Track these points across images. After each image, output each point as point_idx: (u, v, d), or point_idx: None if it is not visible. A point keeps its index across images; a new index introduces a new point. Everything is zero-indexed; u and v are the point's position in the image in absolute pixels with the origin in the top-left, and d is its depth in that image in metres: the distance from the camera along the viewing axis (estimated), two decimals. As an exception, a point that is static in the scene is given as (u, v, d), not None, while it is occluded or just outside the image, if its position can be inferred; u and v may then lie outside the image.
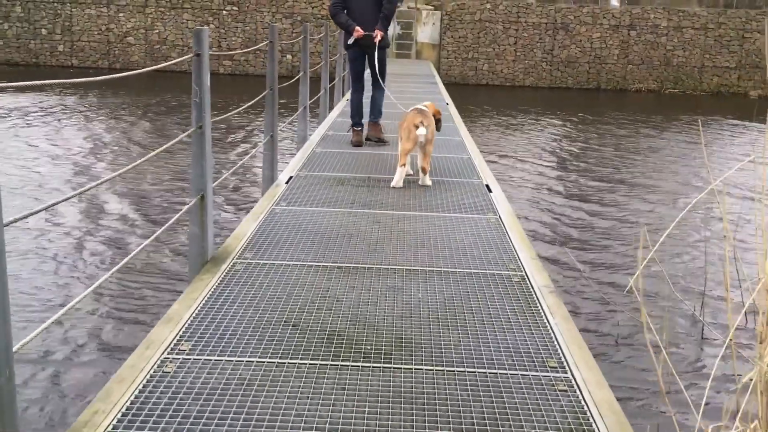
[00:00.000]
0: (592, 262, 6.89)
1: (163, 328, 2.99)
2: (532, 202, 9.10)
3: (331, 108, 10.73)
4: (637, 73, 24.42)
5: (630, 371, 4.71)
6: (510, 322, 3.18)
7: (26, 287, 5.50)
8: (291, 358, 2.76)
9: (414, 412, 2.42)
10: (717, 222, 8.07)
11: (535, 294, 3.52)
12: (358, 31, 6.96)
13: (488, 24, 24.12)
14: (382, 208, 4.99)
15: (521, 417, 2.41)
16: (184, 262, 6.02)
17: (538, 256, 4.26)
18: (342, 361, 2.75)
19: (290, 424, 2.31)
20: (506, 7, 24.02)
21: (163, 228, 3.49)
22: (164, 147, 3.56)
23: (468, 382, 2.62)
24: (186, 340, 2.87)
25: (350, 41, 7.08)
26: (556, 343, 2.99)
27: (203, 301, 3.26)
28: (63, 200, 2.53)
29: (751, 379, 2.40)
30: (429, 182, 5.69)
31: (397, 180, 5.61)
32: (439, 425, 2.34)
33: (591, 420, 2.42)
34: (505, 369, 2.74)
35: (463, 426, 2.35)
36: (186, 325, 3.01)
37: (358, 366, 2.71)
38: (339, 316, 3.15)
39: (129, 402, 2.41)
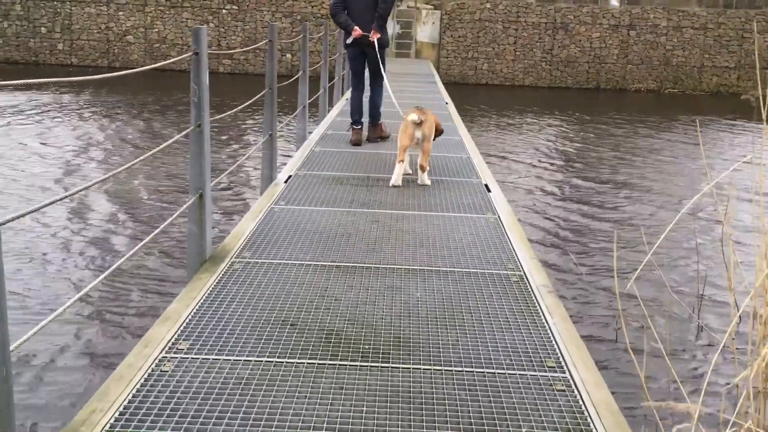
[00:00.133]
0: (590, 261, 6.89)
1: (161, 327, 2.99)
2: (530, 202, 9.09)
3: (330, 107, 10.73)
4: (636, 72, 24.42)
5: (628, 370, 4.70)
6: (508, 321, 3.18)
7: (21, 287, 5.49)
8: (289, 358, 2.75)
9: (412, 411, 2.41)
10: (715, 224, 8.07)
11: (534, 294, 3.52)
12: (357, 31, 7.03)
13: (488, 23, 24.11)
14: (380, 208, 4.99)
15: (519, 417, 2.41)
16: (178, 264, 6.01)
17: (536, 256, 4.26)
18: (340, 360, 2.75)
19: (288, 424, 2.31)
20: (506, 7, 24.01)
21: (162, 227, 3.48)
22: (162, 146, 3.56)
23: (466, 382, 2.62)
24: (184, 339, 2.87)
25: (349, 41, 7.19)
26: (554, 342, 2.99)
27: (201, 300, 3.26)
28: (58, 200, 2.53)
29: (746, 380, 2.40)
30: (428, 181, 5.69)
31: (396, 178, 5.61)
32: (437, 425, 2.34)
33: (589, 420, 2.42)
34: (503, 369, 2.74)
35: (461, 426, 2.34)
36: (184, 324, 3.01)
37: (357, 365, 2.71)
38: (337, 316, 3.15)
39: (126, 401, 2.41)
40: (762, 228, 3.11)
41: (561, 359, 2.84)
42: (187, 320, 3.05)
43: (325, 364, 2.72)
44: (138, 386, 2.50)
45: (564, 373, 2.74)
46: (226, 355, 2.76)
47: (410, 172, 5.91)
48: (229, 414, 2.35)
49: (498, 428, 2.34)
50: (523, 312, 3.29)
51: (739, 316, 5.24)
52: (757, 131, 15.85)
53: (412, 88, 13.87)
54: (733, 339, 4.02)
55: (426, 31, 24.52)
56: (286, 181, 5.65)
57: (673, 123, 17.19)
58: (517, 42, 24.17)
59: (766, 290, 2.95)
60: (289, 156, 8.36)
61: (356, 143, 7.35)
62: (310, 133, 8.18)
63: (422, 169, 5.63)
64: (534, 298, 3.47)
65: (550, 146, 13.46)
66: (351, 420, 2.35)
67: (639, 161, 12.32)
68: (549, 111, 18.47)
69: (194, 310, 3.15)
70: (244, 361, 2.72)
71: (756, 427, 2.60)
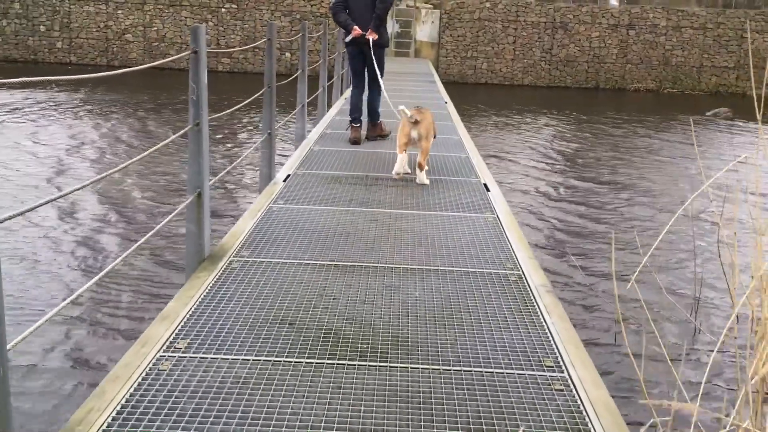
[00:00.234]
0: (589, 261, 6.89)
1: (159, 326, 2.98)
2: (529, 202, 9.09)
3: (329, 106, 10.72)
4: (635, 72, 24.42)
5: (626, 370, 4.71)
6: (507, 321, 3.17)
7: (16, 287, 5.48)
8: (287, 357, 2.75)
9: (410, 410, 2.41)
10: (714, 225, 8.07)
11: (532, 293, 3.52)
12: (356, 30, 7.09)
13: (487, 23, 24.11)
14: (379, 207, 4.98)
15: (517, 416, 2.41)
16: (175, 263, 6.01)
17: (535, 255, 4.25)
18: (338, 359, 2.75)
19: (286, 423, 2.31)
20: (505, 6, 24.01)
21: (160, 226, 3.48)
22: (161, 144, 3.55)
23: (464, 381, 2.62)
24: (182, 338, 2.86)
25: (347, 39, 7.27)
26: (552, 342, 2.99)
27: (199, 299, 3.25)
28: (52, 199, 2.52)
29: (744, 380, 2.40)
30: (426, 181, 5.69)
31: (398, 167, 5.78)
32: (434, 424, 2.34)
33: (587, 419, 2.42)
34: (502, 368, 2.74)
35: (459, 425, 2.34)
36: (182, 323, 3.00)
37: (354, 364, 2.71)
38: (335, 315, 3.15)
39: (124, 400, 2.40)
40: (758, 228, 3.11)
41: (559, 358, 2.84)
42: (185, 319, 3.04)
43: (323, 363, 2.72)
44: (135, 385, 2.50)
45: (562, 372, 2.73)
46: (224, 354, 2.76)
47: (409, 171, 5.93)
48: (227, 413, 2.35)
49: (496, 428, 2.34)
50: (521, 311, 3.29)
51: (737, 317, 5.24)
52: (754, 131, 15.85)
53: (411, 88, 13.86)
54: (735, 338, 4.02)
55: (425, 30, 24.51)
56: (284, 180, 5.64)
57: (671, 123, 17.19)
58: (516, 41, 24.17)
59: (764, 290, 2.94)
60: (287, 155, 8.36)
61: (355, 141, 7.35)
62: (309, 132, 8.18)
63: (420, 167, 5.64)
64: (532, 297, 3.47)
65: (548, 146, 13.46)
66: (349, 419, 2.34)
67: (638, 161, 12.32)
68: (548, 110, 18.47)
69: (192, 309, 3.14)
70: (242, 360, 2.71)
71: (754, 428, 2.60)
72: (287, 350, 2.80)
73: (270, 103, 5.92)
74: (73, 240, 6.68)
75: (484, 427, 2.34)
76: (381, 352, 2.81)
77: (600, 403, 2.53)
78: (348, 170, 6.10)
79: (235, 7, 23.87)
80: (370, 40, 7.07)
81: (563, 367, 2.77)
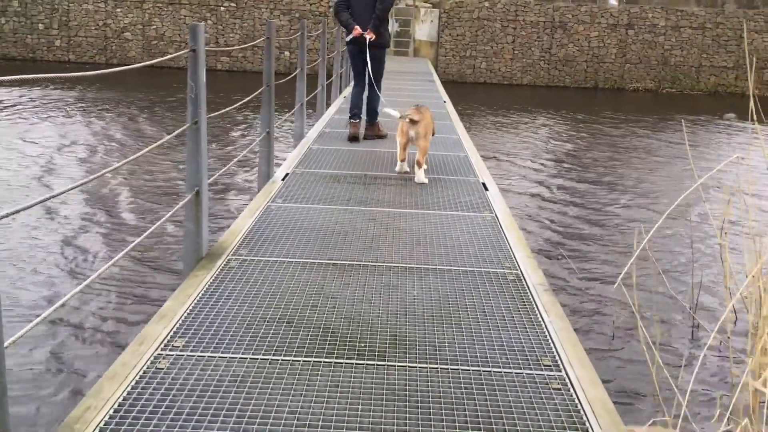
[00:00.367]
0: (586, 261, 6.89)
1: (156, 324, 2.98)
2: (527, 201, 9.09)
3: (328, 105, 10.72)
4: (634, 72, 24.43)
5: (624, 370, 4.71)
6: (505, 320, 3.17)
7: (11, 287, 5.47)
8: (285, 355, 2.75)
9: (408, 409, 2.41)
10: (710, 220, 8.07)
11: (530, 292, 3.52)
12: (356, 30, 7.15)
13: (486, 22, 24.11)
14: (378, 206, 4.98)
15: (515, 415, 2.41)
16: (173, 262, 6.00)
17: (533, 254, 4.25)
18: (336, 358, 2.75)
19: (283, 421, 2.31)
20: (504, 6, 24.01)
21: (158, 224, 3.48)
22: (159, 143, 3.55)
23: (462, 380, 2.62)
24: (180, 337, 2.86)
25: (348, 38, 7.33)
26: (550, 341, 2.99)
27: (197, 298, 3.25)
28: (48, 198, 2.52)
29: (741, 376, 2.41)
30: (425, 180, 5.70)
31: (398, 169, 5.98)
32: (432, 423, 2.34)
33: (585, 418, 2.42)
34: (500, 367, 2.74)
35: (457, 424, 2.34)
36: (180, 322, 3.00)
37: (352, 363, 2.71)
38: (333, 313, 3.15)
39: (121, 398, 2.40)
40: (751, 227, 3.11)
41: (557, 357, 2.84)
42: (183, 318, 3.04)
43: (320, 361, 2.71)
44: (133, 384, 2.50)
45: (560, 371, 2.73)
46: (222, 352, 2.75)
47: (407, 170, 5.96)
48: (224, 411, 2.35)
49: (494, 426, 2.34)
50: (519, 310, 3.29)
51: (735, 315, 5.23)
52: (751, 131, 15.86)
53: (410, 87, 13.86)
54: (729, 337, 4.03)
55: (424, 29, 24.51)
56: (283, 179, 5.64)
57: (669, 123, 17.20)
58: (515, 41, 24.17)
59: (760, 290, 2.95)
60: (286, 154, 8.35)
61: (353, 136, 7.38)
62: (308, 130, 8.18)
63: (419, 165, 5.66)
64: (530, 296, 3.46)
65: (547, 145, 13.47)
66: (347, 418, 2.34)
67: (636, 161, 12.33)
68: (547, 110, 18.47)
69: (190, 308, 3.14)
70: (240, 358, 2.71)
71: (751, 426, 2.61)
72: (285, 349, 2.80)
73: (269, 102, 5.91)
74: (70, 239, 6.66)
75: (482, 425, 2.34)
76: (379, 351, 2.81)
77: (597, 401, 2.53)
78: (347, 169, 6.10)
79: (234, 5, 23.85)
80: (368, 40, 7.11)
81: (561, 366, 2.77)
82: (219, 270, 3.61)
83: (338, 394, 2.48)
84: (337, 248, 4.02)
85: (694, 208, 8.63)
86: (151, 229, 3.37)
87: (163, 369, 2.60)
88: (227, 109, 5.22)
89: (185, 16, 23.84)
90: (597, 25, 24.19)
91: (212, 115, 4.16)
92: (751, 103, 3.65)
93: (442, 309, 3.25)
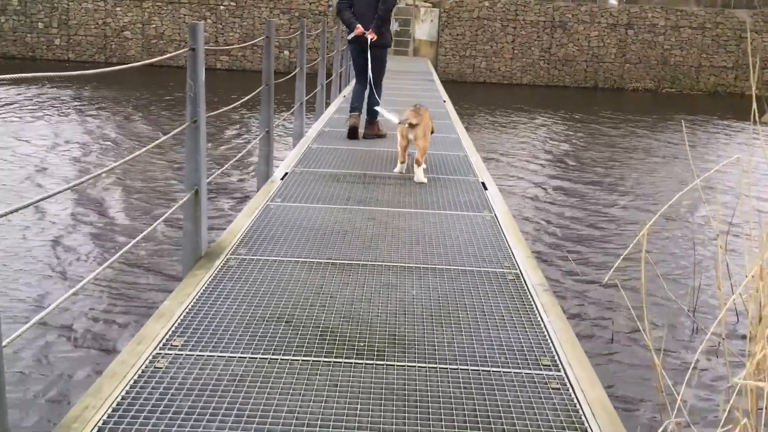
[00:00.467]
0: (586, 261, 6.89)
1: (155, 323, 2.98)
2: (526, 201, 9.09)
3: (327, 104, 10.71)
4: (634, 72, 24.43)
5: (622, 370, 4.71)
6: (504, 319, 3.17)
7: (11, 284, 5.46)
8: (284, 355, 2.75)
9: (406, 409, 2.41)
10: (709, 221, 8.07)
11: (530, 292, 3.51)
12: (358, 29, 7.19)
13: (486, 22, 24.11)
14: (377, 205, 4.98)
15: (514, 415, 2.41)
16: (171, 261, 6.00)
17: (532, 254, 4.25)
18: (335, 357, 2.75)
19: (282, 420, 2.30)
20: (504, 5, 24.01)
21: (157, 223, 3.47)
22: (157, 141, 3.55)
23: (461, 380, 2.62)
24: (178, 336, 2.86)
25: (349, 37, 7.36)
26: (549, 341, 2.99)
27: (196, 297, 3.25)
28: (45, 198, 2.51)
29: (740, 379, 2.41)
30: (424, 179, 5.70)
31: (398, 170, 5.99)
32: (431, 422, 2.34)
33: (583, 418, 2.42)
34: (498, 367, 2.74)
35: (456, 423, 2.34)
36: (178, 321, 3.00)
37: (351, 363, 2.71)
38: (332, 313, 3.14)
39: (120, 397, 2.40)
40: (751, 229, 3.11)
41: (556, 357, 2.84)
42: (182, 317, 3.04)
43: (319, 361, 2.71)
44: (131, 383, 2.50)
45: (559, 371, 2.73)
46: (221, 351, 2.75)
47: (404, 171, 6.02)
48: (223, 411, 2.35)
49: (493, 426, 2.34)
50: (518, 310, 3.29)
51: (737, 317, 5.23)
52: (750, 130, 15.85)
53: (410, 86, 13.86)
54: (723, 338, 4.02)
55: (424, 28, 24.50)
56: (282, 178, 5.64)
57: (669, 123, 17.19)
58: (515, 40, 24.17)
59: (757, 290, 2.95)
60: (285, 153, 8.35)
61: (352, 128, 7.42)
62: (307, 129, 8.18)
63: (417, 163, 5.67)
64: (530, 296, 3.46)
65: (546, 145, 13.47)
66: (345, 417, 2.34)
67: (636, 161, 12.33)
68: (546, 110, 18.47)
69: (189, 307, 3.14)
70: (239, 357, 2.71)
71: (750, 426, 2.61)
72: (284, 348, 2.80)
73: (268, 101, 5.91)
74: (66, 239, 6.65)
75: (481, 425, 2.34)
76: (378, 350, 2.81)
77: (596, 402, 2.53)
78: (346, 168, 6.10)
79: (234, 4, 23.84)
80: (369, 40, 7.12)
81: (560, 366, 2.77)
82: (218, 269, 3.61)
83: (337, 394, 2.48)
84: (336, 248, 4.02)
85: (694, 209, 8.64)
86: (150, 229, 3.37)
87: (161, 368, 2.60)
88: (226, 108, 5.21)
89: (185, 14, 23.83)
90: (597, 25, 24.19)
91: (211, 114, 4.15)
92: (754, 105, 3.64)
93: (441, 308, 3.25)
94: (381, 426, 2.30)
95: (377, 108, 5.88)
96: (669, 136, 15.20)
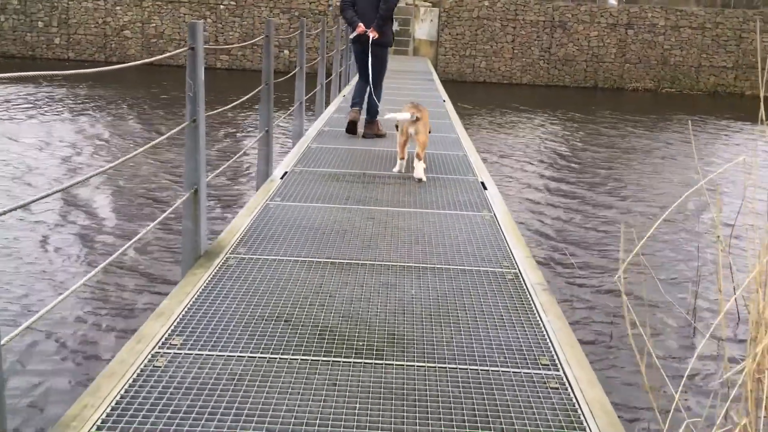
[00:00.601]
0: (586, 261, 6.89)
1: (154, 322, 2.98)
2: (526, 201, 9.09)
3: (327, 104, 10.71)
4: (634, 72, 24.43)
5: (622, 370, 4.71)
6: (503, 319, 3.17)
7: (6, 285, 5.45)
8: (283, 354, 2.75)
9: (405, 408, 2.41)
10: (709, 222, 8.07)
11: (529, 292, 3.51)
12: (360, 27, 7.24)
13: (486, 21, 24.11)
14: (376, 205, 4.98)
15: (512, 414, 2.41)
16: (171, 261, 5.99)
17: (532, 254, 4.25)
18: (334, 357, 2.75)
19: (281, 420, 2.31)
20: (504, 5, 24.01)
21: (156, 222, 3.47)
22: (157, 141, 3.54)
23: (460, 379, 2.62)
24: (177, 335, 2.86)
25: (351, 36, 7.45)
26: (548, 340, 2.99)
27: (195, 296, 3.25)
28: (43, 197, 2.51)
29: (739, 380, 2.41)
30: (424, 177, 5.70)
31: (397, 169, 5.98)
32: (430, 422, 2.34)
33: (582, 418, 2.42)
34: (497, 366, 2.74)
35: (455, 422, 2.34)
36: (178, 320, 3.00)
37: (350, 362, 2.71)
38: (332, 312, 3.14)
39: (119, 396, 2.40)
40: (751, 230, 3.11)
41: (555, 357, 2.84)
42: (181, 316, 3.04)
43: (318, 360, 2.71)
44: (130, 382, 2.49)
45: (558, 371, 2.73)
46: (220, 350, 2.75)
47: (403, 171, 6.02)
48: (221, 410, 2.35)
49: (491, 425, 2.34)
50: (517, 310, 3.29)
51: (739, 317, 5.23)
52: (749, 131, 15.87)
53: (409, 86, 13.85)
54: (721, 340, 4.03)
55: (424, 28, 24.50)
56: (282, 178, 5.64)
57: (668, 123, 17.20)
58: (515, 40, 24.17)
59: (758, 290, 2.95)
60: (285, 152, 8.35)
61: (352, 122, 7.45)
62: (307, 129, 8.18)
63: (418, 157, 5.67)
64: (529, 296, 3.46)
65: (546, 145, 13.47)
66: (344, 416, 2.34)
67: (636, 161, 12.33)
68: (546, 109, 18.47)
69: (188, 306, 3.14)
70: (238, 357, 2.71)
71: (749, 426, 2.61)
72: (283, 347, 2.80)
73: (268, 101, 5.91)
74: (67, 238, 6.65)
75: (480, 424, 2.34)
76: (377, 350, 2.81)
77: (595, 402, 2.53)
78: (345, 168, 6.10)
79: (234, 3, 23.83)
80: (370, 38, 7.15)
81: (559, 366, 2.77)
82: (217, 268, 3.61)
83: (336, 393, 2.48)
84: (336, 247, 4.02)
85: (696, 210, 8.63)
86: (149, 228, 3.37)
87: (160, 367, 2.60)
88: (226, 107, 5.21)
89: (185, 14, 23.83)
90: (596, 25, 24.19)
91: (211, 113, 4.15)
92: (761, 108, 3.64)
93: (441, 308, 3.25)
94: (380, 425, 2.30)
95: (387, 116, 5.89)
96: (668, 136, 15.20)
